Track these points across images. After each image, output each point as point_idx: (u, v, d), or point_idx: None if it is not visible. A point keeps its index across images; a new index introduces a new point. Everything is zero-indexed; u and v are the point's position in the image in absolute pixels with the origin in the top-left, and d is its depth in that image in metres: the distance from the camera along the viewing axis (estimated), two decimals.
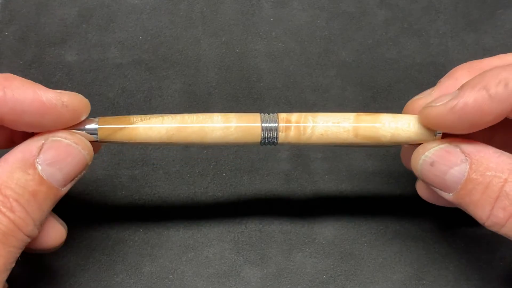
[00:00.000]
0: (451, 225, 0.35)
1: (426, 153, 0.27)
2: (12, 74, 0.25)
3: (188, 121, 0.27)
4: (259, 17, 0.37)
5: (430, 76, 0.37)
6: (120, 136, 0.27)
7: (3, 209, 0.24)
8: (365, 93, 0.37)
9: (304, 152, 0.36)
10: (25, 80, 0.25)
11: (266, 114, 0.28)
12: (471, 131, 0.26)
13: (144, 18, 0.36)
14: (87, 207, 0.34)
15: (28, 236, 0.25)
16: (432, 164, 0.27)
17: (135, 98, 0.36)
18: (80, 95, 0.26)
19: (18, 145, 0.25)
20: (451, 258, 0.34)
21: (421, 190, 0.30)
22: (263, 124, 0.27)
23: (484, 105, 0.25)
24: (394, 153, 0.36)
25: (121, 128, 0.26)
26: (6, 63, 0.35)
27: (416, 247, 0.34)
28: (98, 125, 0.26)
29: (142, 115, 0.27)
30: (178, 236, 0.34)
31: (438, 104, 0.26)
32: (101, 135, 0.26)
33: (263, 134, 0.27)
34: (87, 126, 0.26)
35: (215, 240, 0.34)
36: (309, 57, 0.37)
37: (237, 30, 0.37)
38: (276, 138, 0.27)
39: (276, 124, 0.27)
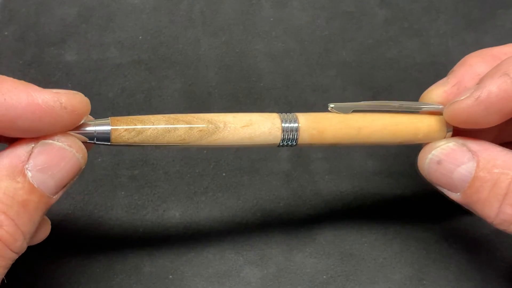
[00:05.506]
0: (451, 225, 0.35)
1: (433, 152, 0.27)
2: (2, 76, 0.22)
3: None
4: (259, 17, 0.37)
5: (430, 76, 0.37)
6: (140, 138, 0.24)
7: None
8: (366, 93, 0.37)
9: (304, 152, 0.36)
10: (17, 81, 0.22)
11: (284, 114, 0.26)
12: (500, 121, 0.26)
13: (144, 18, 0.36)
14: (86, 207, 0.34)
15: (16, 253, 0.22)
16: (439, 162, 0.26)
17: (135, 98, 0.35)
18: (79, 93, 0.23)
19: (4, 150, 0.23)
20: (451, 258, 0.34)
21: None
22: (283, 125, 0.26)
23: (509, 89, 0.24)
24: (394, 153, 0.36)
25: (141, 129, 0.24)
26: (5, 63, 0.35)
27: (416, 247, 0.34)
28: (112, 125, 0.24)
29: (155, 116, 0.25)
30: (178, 236, 0.33)
31: (462, 98, 0.25)
32: (116, 138, 0.24)
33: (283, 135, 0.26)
34: (98, 128, 0.24)
35: (215, 240, 0.34)
36: (309, 57, 0.37)
37: (237, 30, 0.37)
38: (296, 140, 0.26)
39: (297, 125, 0.26)
